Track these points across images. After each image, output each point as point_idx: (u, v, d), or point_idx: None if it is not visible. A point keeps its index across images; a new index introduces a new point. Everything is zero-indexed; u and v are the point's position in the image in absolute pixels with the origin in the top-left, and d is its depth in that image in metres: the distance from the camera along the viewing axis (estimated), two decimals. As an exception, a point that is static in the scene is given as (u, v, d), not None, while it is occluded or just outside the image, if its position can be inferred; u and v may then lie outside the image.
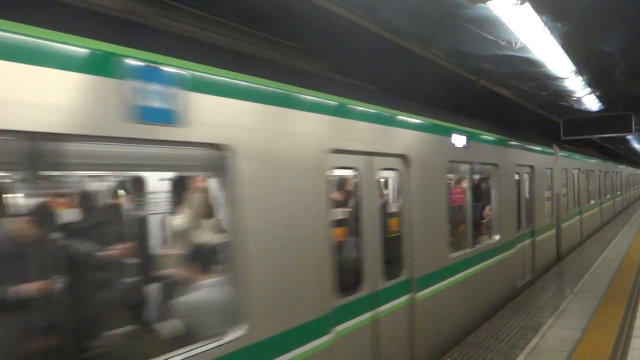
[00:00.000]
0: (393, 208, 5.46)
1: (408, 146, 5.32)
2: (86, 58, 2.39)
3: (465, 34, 5.95)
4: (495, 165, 7.86)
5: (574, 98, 10.35)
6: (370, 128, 4.73)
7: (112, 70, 2.48)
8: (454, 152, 6.44)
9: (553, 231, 11.44)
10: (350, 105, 4.45)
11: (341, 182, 4.96)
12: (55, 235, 2.54)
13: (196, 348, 2.81)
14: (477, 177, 7.88)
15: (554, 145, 11.84)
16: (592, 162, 17.20)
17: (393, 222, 5.28)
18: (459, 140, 6.52)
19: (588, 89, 9.62)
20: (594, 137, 13.04)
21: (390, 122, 5.08)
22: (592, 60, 7.60)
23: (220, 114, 3.09)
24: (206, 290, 3.30)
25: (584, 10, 5.43)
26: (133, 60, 2.58)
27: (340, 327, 4.13)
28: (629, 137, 18.51)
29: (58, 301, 2.33)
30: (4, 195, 2.65)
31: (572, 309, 7.41)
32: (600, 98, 10.75)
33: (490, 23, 5.54)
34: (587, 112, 12.01)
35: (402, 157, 5.23)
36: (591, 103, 11.09)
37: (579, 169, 14.72)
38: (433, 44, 6.70)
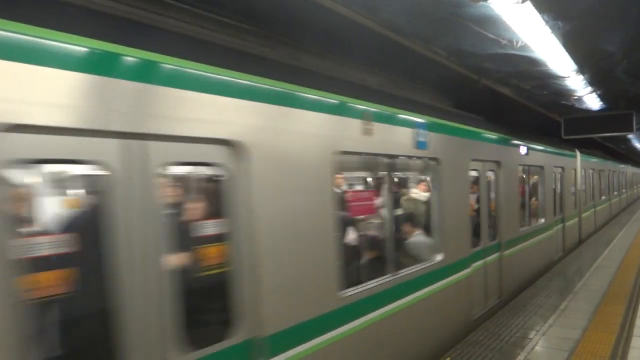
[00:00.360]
0: (491, 196, 8.06)
1: (500, 155, 8.16)
2: (406, 120, 5.33)
3: (467, 32, 5.94)
4: (542, 167, 10.73)
5: (575, 97, 10.33)
6: (484, 145, 7.63)
7: (412, 125, 5.40)
8: (521, 158, 9.29)
9: (576, 220, 14.09)
10: (474, 131, 7.25)
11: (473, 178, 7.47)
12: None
13: (424, 264, 5.67)
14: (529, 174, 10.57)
15: (576, 150, 14.41)
16: (604, 163, 19.80)
17: (492, 205, 8.03)
18: (523, 150, 9.35)
19: (589, 88, 9.60)
20: (595, 136, 13.03)
21: (491, 140, 7.96)
22: (594, 59, 7.58)
23: (437, 142, 5.88)
24: (421, 237, 6.03)
25: (585, 9, 5.43)
26: (418, 119, 5.53)
27: (473, 265, 6.89)
28: (630, 136, 18.56)
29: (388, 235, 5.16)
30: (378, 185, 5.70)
31: (572, 308, 7.41)
32: (602, 97, 10.73)
33: (491, 22, 5.53)
34: (588, 111, 11.99)
35: (497, 162, 8.07)
36: (592, 102, 11.07)
37: (594, 169, 17.21)
38: (434, 42, 6.69)
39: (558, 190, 12.05)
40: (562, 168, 12.44)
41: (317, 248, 3.89)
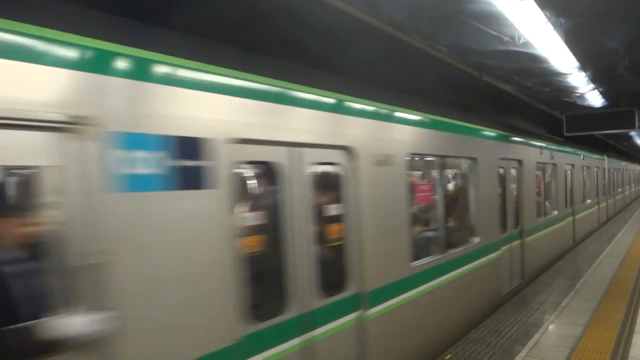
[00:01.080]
0: (568, 183, 13.55)
1: (573, 160, 13.69)
2: (549, 147, 11.48)
3: (468, 29, 5.93)
4: (589, 167, 16.21)
5: (577, 94, 10.31)
6: (569, 155, 13.25)
7: (550, 149, 11.40)
8: (581, 162, 14.88)
9: (605, 204, 19.50)
10: (568, 148, 13.38)
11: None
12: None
13: (556, 212, 11.97)
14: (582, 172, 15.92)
15: (604, 154, 19.94)
16: (620, 163, 25.47)
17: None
18: (581, 157, 15.06)
19: (591, 85, 9.58)
20: (596, 133, 13.05)
21: (571, 152, 13.66)
22: (596, 56, 7.56)
23: (557, 156, 11.90)
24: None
25: (588, 6, 5.41)
26: (551, 146, 11.66)
27: (567, 219, 12.93)
28: (632, 133, 18.71)
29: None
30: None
31: (574, 305, 7.41)
32: (604, 94, 10.70)
33: (493, 18, 5.52)
34: (590, 109, 11.97)
35: (572, 165, 13.52)
36: (594, 99, 11.04)
37: (614, 168, 22.78)
38: (436, 39, 6.67)
39: (595, 183, 17.51)
40: (598, 167, 18.09)
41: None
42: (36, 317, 2.16)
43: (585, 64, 7.93)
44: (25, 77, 2.20)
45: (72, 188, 2.34)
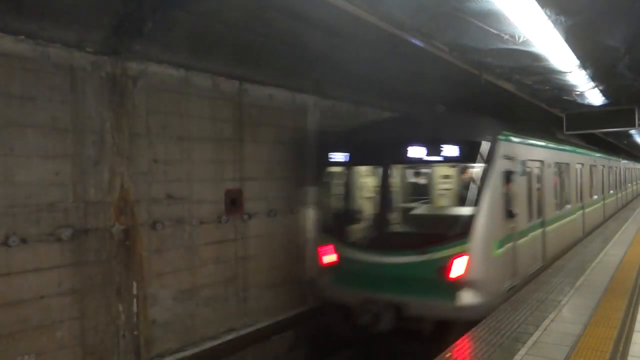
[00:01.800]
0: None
1: (607, 162, 19.50)
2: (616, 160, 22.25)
3: (469, 27, 5.92)
4: (611, 167, 20.32)
5: (578, 92, 10.31)
6: (606, 160, 19.20)
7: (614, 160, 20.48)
8: (609, 164, 19.74)
9: (622, 194, 24.44)
10: (611, 157, 21.36)
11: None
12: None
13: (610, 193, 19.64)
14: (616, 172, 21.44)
15: (620, 157, 24.90)
16: (629, 162, 30.67)
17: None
18: (609, 160, 19.90)
19: (592, 83, 9.58)
20: (597, 131, 13.07)
21: (606, 158, 19.67)
22: (596, 54, 7.56)
23: (600, 162, 17.97)
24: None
25: (588, 4, 5.41)
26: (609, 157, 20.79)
27: (602, 202, 17.91)
28: (632, 131, 19.06)
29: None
30: None
31: (574, 303, 7.41)
32: (604, 92, 10.70)
33: (493, 17, 5.51)
34: (591, 107, 11.97)
35: (603, 165, 18.12)
36: (595, 97, 11.04)
37: (627, 167, 28.10)
38: (436, 37, 6.67)
39: (615, 178, 21.98)
40: (617, 167, 22.68)
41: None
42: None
43: (585, 62, 7.93)
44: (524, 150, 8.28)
45: (515, 175, 7.46)
